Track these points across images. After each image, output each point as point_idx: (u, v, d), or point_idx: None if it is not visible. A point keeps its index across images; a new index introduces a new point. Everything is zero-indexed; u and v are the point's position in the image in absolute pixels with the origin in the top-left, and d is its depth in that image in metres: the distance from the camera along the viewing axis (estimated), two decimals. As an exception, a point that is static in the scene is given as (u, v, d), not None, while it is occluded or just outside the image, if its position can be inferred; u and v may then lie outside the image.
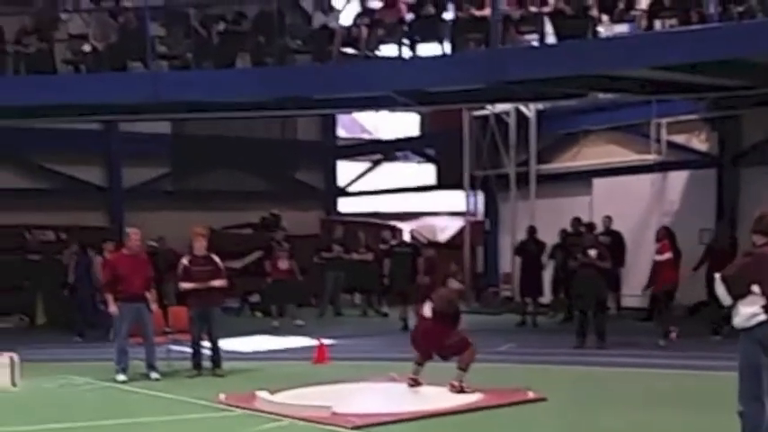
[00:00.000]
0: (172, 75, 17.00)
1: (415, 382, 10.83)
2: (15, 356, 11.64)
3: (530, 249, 18.24)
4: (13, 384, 11.55)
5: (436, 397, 10.30)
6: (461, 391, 10.43)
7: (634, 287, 17.96)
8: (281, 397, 10.14)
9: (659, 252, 14.98)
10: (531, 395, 10.25)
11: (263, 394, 10.15)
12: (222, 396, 10.36)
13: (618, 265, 17.57)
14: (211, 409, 10.00)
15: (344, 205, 26.59)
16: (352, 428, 8.88)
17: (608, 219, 18.35)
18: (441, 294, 11.05)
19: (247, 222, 23.26)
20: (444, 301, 10.88)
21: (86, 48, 16.85)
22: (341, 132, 27.23)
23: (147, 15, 17.01)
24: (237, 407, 9.95)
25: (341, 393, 10.53)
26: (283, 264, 18.71)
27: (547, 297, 18.79)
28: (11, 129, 19.45)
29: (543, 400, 10.18)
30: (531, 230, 18.45)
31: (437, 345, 10.70)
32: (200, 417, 9.67)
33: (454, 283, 11.24)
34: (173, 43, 17.47)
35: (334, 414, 9.28)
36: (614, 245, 17.53)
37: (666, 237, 15.31)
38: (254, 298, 20.93)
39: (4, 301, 18.58)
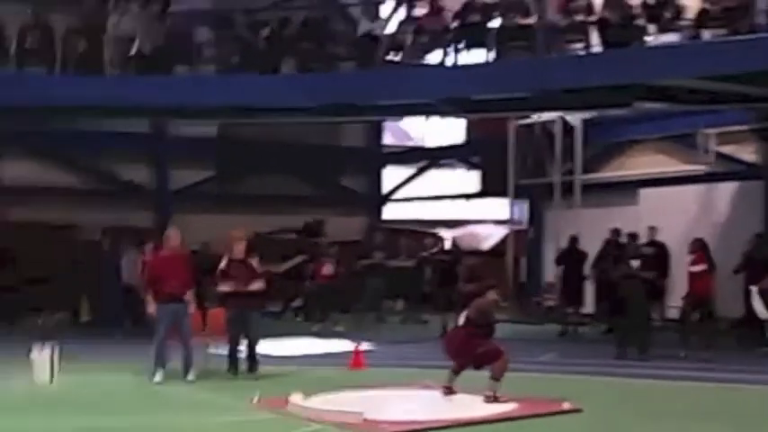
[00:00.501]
0: (216, 78, 17.15)
1: (449, 391, 10.76)
2: (54, 352, 11.76)
3: (571, 258, 18.05)
4: (51, 380, 11.66)
5: (469, 406, 10.21)
6: (496, 400, 10.34)
7: (679, 298, 17.71)
8: (313, 402, 10.11)
9: (694, 263, 14.98)
10: (566, 406, 10.11)
11: (295, 398, 10.15)
12: (255, 399, 10.38)
13: (662, 276, 17.35)
14: (243, 412, 10.00)
15: (389, 212, 26.58)
16: (382, 435, 8.84)
17: (653, 229, 18.13)
18: (477, 304, 10.98)
19: (291, 227, 23.34)
20: (479, 311, 10.82)
21: (134, 50, 17.05)
22: (387, 139, 27.23)
23: (193, 19, 17.27)
24: (270, 410, 9.96)
25: (374, 400, 10.48)
26: (327, 269, 18.79)
27: (590, 307, 18.62)
28: (62, 129, 19.81)
29: (578, 411, 10.05)
30: (573, 240, 18.29)
31: (467, 353, 10.63)
32: (232, 420, 9.68)
33: (492, 295, 11.14)
34: (218, 47, 17.64)
35: (366, 420, 9.24)
36: (658, 255, 17.32)
37: (701, 249, 15.25)
38: (297, 302, 20.98)
39: (52, 297, 18.79)
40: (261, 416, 9.81)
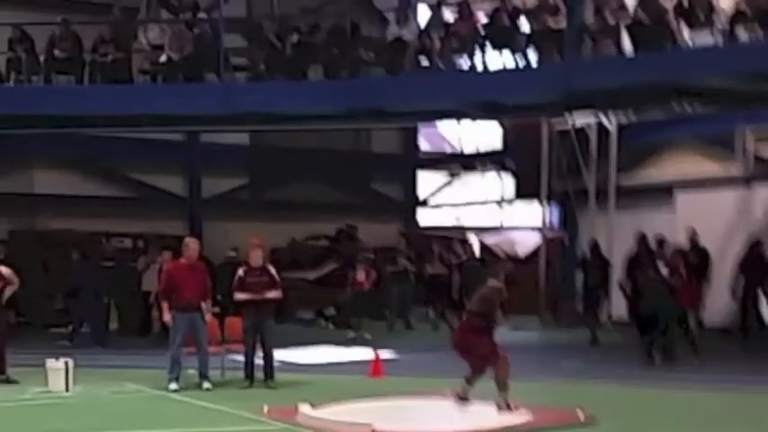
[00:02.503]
0: (243, 86, 17.15)
1: (462, 400, 10.49)
2: (70, 361, 11.78)
3: (594, 265, 17.77)
4: (67, 389, 11.67)
5: (482, 415, 9.96)
6: (508, 409, 10.05)
7: (718, 305, 17.34)
8: (323, 412, 9.97)
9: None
10: (580, 416, 9.84)
11: (304, 408, 10.01)
12: (265, 408, 10.28)
13: (701, 282, 16.97)
14: (253, 421, 9.90)
15: (424, 218, 26.41)
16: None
17: (692, 232, 17.68)
18: (479, 293, 10.51)
19: (324, 234, 23.27)
20: (479, 300, 10.29)
21: (162, 58, 17.10)
22: (423, 144, 27.07)
23: (220, 27, 17.27)
24: (279, 420, 9.83)
25: (386, 409, 10.30)
26: (360, 275, 18.71)
27: (619, 313, 18.27)
28: (94, 137, 19.95)
29: (593, 421, 9.76)
30: (594, 245, 17.99)
31: (467, 350, 10.21)
32: (240, 429, 9.61)
33: (494, 282, 10.59)
34: (246, 54, 17.63)
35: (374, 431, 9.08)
36: (699, 261, 16.98)
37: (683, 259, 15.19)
38: (328, 310, 20.88)
39: (81, 306, 18.81)
40: (269, 426, 9.70)
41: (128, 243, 20.01)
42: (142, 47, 17.51)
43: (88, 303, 17.18)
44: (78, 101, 16.67)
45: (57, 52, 16.83)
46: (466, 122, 22.24)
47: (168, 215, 22.04)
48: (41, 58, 16.89)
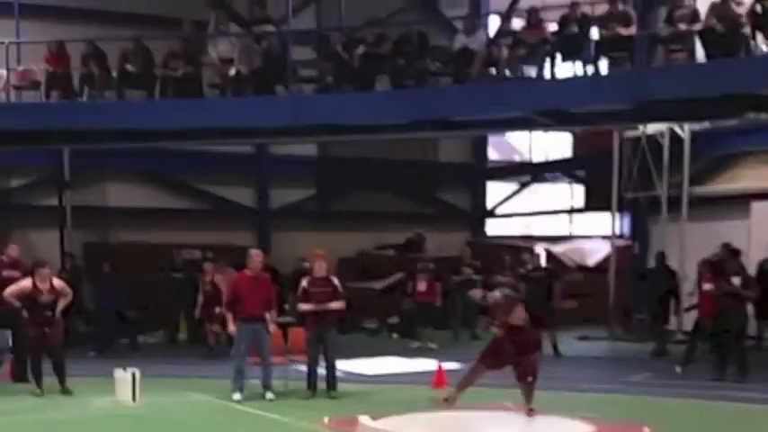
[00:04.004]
0: (311, 98, 17.24)
1: (531, 411, 10.35)
2: (137, 372, 11.94)
3: (659, 275, 17.45)
4: (134, 399, 11.83)
5: (543, 428, 9.82)
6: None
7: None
8: (382, 423, 9.94)
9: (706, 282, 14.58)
10: (646, 432, 9.65)
11: (364, 419, 10.00)
12: (326, 419, 10.30)
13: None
14: (315, 432, 9.94)
15: (492, 227, 26.25)
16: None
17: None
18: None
19: (392, 243, 23.26)
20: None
21: (232, 71, 17.29)
22: (492, 153, 26.92)
23: (288, 40, 17.42)
24: (339, 431, 9.82)
25: (447, 421, 10.25)
26: (422, 285, 18.66)
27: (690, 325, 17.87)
28: (164, 151, 20.25)
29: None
30: (660, 256, 17.67)
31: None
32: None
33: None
34: (314, 66, 17.74)
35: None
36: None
37: (710, 270, 14.73)
38: (394, 319, 20.86)
39: (150, 317, 19.16)
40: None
41: (197, 254, 20.20)
42: (211, 61, 17.74)
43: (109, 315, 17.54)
44: (150, 115, 16.89)
45: (128, 67, 17.10)
46: (537, 132, 22.06)
47: (238, 226, 22.27)
48: (114, 74, 17.17)
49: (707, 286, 14.40)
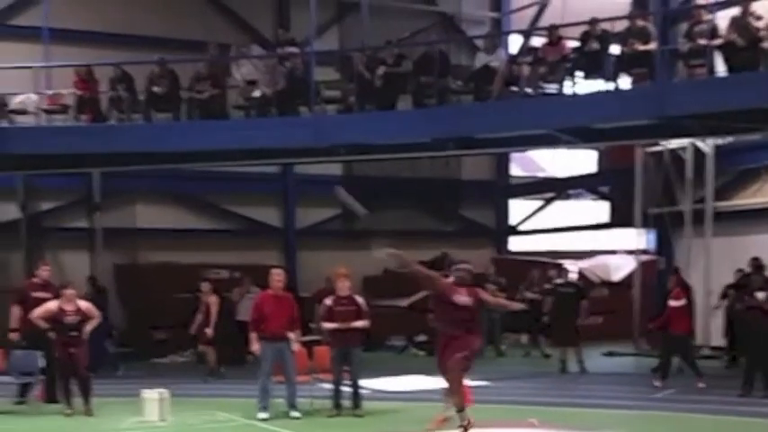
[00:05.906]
0: (334, 118, 17.43)
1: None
2: (165, 392, 12.11)
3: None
4: (162, 419, 11.98)
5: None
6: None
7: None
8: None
9: (674, 298, 15.06)
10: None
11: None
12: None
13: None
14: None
15: (516, 244, 26.29)
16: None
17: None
18: None
19: (418, 261, 23.26)
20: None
21: (256, 93, 17.52)
22: (515, 170, 26.99)
23: (311, 61, 17.61)
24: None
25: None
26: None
27: (717, 340, 17.86)
28: (191, 172, 20.47)
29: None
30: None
31: None
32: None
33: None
34: (337, 87, 17.93)
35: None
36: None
37: (678, 284, 15.23)
38: (420, 337, 20.93)
39: (179, 337, 19.34)
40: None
41: (224, 274, 20.39)
42: (236, 83, 17.98)
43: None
44: (176, 137, 17.10)
45: (155, 90, 17.38)
46: (559, 149, 22.06)
47: (264, 246, 22.47)
48: (141, 97, 17.44)
49: (673, 302, 14.90)
